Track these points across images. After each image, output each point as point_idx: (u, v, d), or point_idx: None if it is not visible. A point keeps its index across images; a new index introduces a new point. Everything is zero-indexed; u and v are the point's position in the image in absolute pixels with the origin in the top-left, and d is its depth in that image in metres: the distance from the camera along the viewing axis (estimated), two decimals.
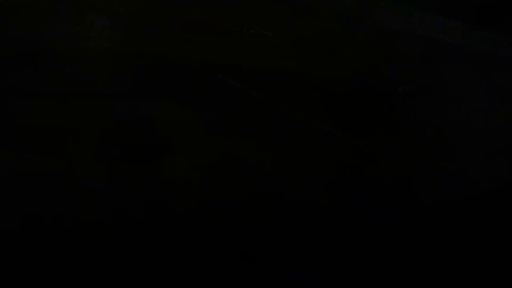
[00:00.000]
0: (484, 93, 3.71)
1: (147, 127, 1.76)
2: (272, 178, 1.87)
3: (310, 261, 1.45)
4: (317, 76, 3.13)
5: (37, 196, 1.28)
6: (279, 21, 3.13)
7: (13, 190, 1.26)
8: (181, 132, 1.86)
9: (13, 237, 1.15)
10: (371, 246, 1.61)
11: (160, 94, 1.98)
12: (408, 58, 3.43)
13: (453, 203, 2.11)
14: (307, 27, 3.24)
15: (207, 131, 1.96)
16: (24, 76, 1.60)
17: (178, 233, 1.36)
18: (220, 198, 1.58)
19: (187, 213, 1.46)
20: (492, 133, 3.32)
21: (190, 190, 1.56)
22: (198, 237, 1.37)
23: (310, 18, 3.22)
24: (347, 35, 3.30)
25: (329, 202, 1.90)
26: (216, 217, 1.48)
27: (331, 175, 2.15)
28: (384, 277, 1.47)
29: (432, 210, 1.99)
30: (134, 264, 1.20)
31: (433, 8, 3.72)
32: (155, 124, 1.79)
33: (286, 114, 2.64)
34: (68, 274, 1.11)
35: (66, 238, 1.20)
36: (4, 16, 1.65)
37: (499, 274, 1.61)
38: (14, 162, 1.32)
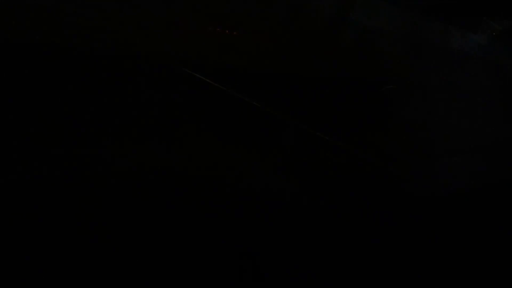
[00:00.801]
0: (454, 88, 3.73)
1: None
2: None
3: (307, 258, 1.45)
4: (294, 74, 3.14)
5: None
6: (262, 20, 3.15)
7: None
8: None
9: None
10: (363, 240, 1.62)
11: None
12: (387, 56, 3.47)
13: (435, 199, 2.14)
14: (291, 26, 3.27)
15: None
16: None
17: None
18: None
19: None
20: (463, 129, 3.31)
21: None
22: None
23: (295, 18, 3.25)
24: (330, 34, 3.34)
25: (319, 198, 1.89)
26: None
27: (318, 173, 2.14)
28: (381, 274, 1.48)
29: (420, 204, 2.02)
30: None
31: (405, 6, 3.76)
32: None
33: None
34: None
35: None
36: None
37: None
38: None
